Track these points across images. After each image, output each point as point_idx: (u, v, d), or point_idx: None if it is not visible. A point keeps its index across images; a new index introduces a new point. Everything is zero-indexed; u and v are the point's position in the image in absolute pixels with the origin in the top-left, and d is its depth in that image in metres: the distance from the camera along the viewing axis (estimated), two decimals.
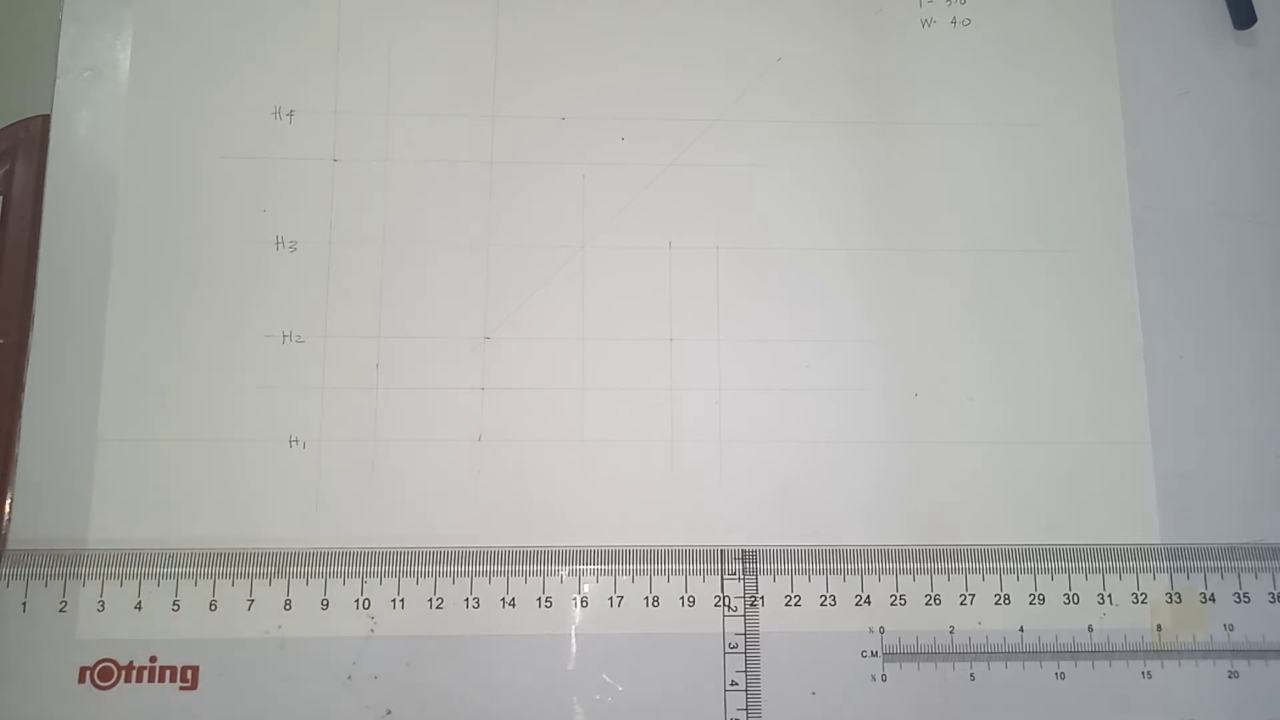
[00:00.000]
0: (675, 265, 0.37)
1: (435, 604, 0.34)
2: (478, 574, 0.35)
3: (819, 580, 0.35)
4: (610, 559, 0.35)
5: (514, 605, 0.34)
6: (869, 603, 0.35)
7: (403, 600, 0.34)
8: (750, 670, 0.34)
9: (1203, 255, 0.37)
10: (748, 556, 0.35)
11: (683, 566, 0.35)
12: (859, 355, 0.36)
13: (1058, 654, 0.35)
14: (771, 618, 0.35)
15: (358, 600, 0.34)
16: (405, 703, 0.34)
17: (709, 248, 0.37)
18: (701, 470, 0.35)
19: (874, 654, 0.34)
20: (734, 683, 0.34)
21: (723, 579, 0.35)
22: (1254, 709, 0.35)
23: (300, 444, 0.35)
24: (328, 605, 0.34)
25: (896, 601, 0.35)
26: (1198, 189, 0.38)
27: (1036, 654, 0.35)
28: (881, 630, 0.35)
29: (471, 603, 0.34)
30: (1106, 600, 0.35)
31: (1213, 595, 0.35)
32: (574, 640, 0.34)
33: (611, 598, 0.35)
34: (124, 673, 0.34)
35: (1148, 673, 0.35)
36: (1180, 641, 0.35)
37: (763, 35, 0.38)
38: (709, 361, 0.36)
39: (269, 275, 0.36)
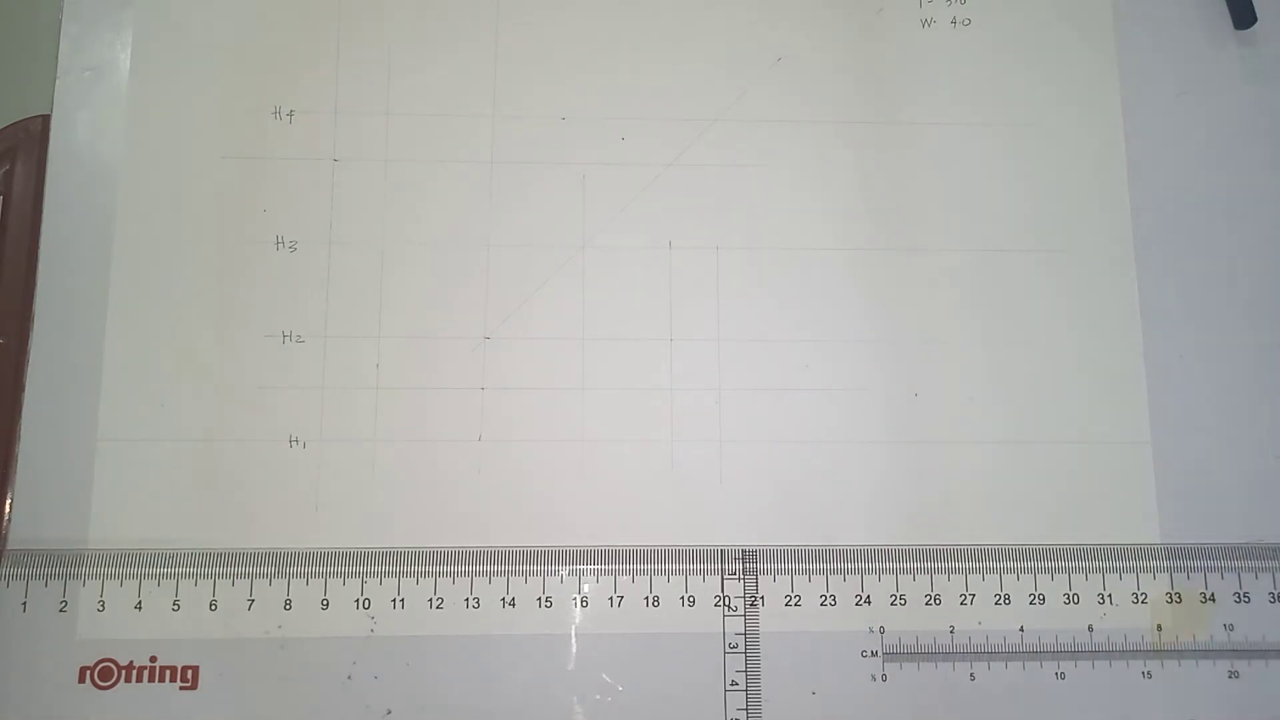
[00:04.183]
0: (675, 265, 0.37)
1: (435, 604, 0.34)
2: (478, 574, 0.35)
3: (819, 580, 0.35)
4: (610, 559, 0.35)
5: (514, 605, 0.34)
6: (869, 603, 0.35)
7: (403, 600, 0.34)
8: (750, 670, 0.34)
9: (1203, 255, 0.37)
10: (748, 556, 0.35)
11: (683, 566, 0.35)
12: (859, 355, 0.36)
13: (1058, 654, 0.35)
14: (771, 618, 0.35)
15: (358, 600, 0.34)
16: (405, 703, 0.34)
17: (709, 248, 0.37)
18: (701, 470, 0.35)
19: (874, 654, 0.34)
20: (734, 683, 0.34)
21: (723, 579, 0.35)
22: (1254, 709, 0.35)
23: (300, 444, 0.35)
24: (328, 605, 0.34)
25: (896, 601, 0.35)
26: (1198, 189, 0.38)
27: (1036, 654, 0.35)
28: (881, 630, 0.35)
29: (471, 603, 0.34)
30: (1106, 600, 0.35)
31: (1213, 595, 0.35)
32: (574, 640, 0.34)
33: (611, 598, 0.35)
34: (124, 673, 0.34)
35: (1148, 673, 0.35)
36: (1180, 641, 0.35)
37: (763, 35, 0.38)
38: (709, 361, 0.36)
39: (269, 275, 0.36)
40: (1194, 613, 0.35)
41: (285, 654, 0.34)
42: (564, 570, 0.35)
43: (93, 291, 0.36)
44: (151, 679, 0.34)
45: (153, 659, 0.34)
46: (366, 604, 0.34)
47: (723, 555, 0.35)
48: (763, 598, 0.35)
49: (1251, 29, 0.38)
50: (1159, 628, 0.35)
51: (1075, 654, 0.35)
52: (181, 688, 0.34)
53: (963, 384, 0.36)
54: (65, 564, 0.34)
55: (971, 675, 0.34)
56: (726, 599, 0.35)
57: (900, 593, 0.35)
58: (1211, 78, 0.38)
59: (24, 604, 0.34)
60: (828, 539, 0.35)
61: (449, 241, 0.36)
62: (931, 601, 0.35)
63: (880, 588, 0.35)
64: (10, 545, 0.34)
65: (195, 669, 0.34)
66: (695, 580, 0.35)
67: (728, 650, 0.34)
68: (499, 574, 0.35)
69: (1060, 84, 0.38)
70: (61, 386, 0.35)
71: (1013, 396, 0.36)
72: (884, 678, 0.34)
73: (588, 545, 0.35)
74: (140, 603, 0.34)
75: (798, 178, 0.37)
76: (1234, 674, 0.35)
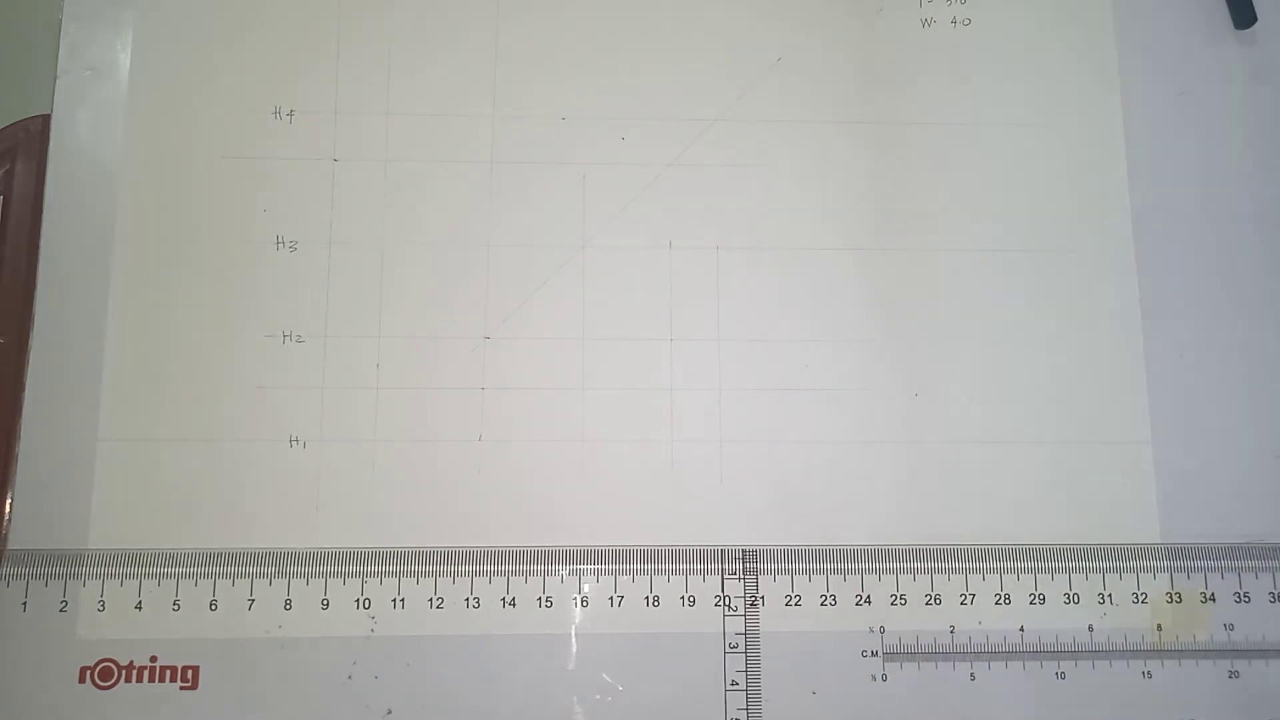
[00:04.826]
0: (675, 265, 0.37)
1: (435, 604, 0.34)
2: (478, 574, 0.35)
3: (819, 580, 0.35)
4: (610, 559, 0.35)
5: (514, 605, 0.34)
6: (869, 603, 0.35)
7: (403, 600, 0.34)
8: (750, 670, 0.34)
9: (1202, 255, 0.37)
10: (748, 556, 0.35)
11: (683, 566, 0.35)
12: (859, 355, 0.36)
13: (1058, 654, 0.35)
14: (772, 618, 0.35)
15: (358, 600, 0.34)
16: (405, 703, 0.34)
17: (709, 248, 0.37)
18: (701, 470, 0.35)
19: (874, 654, 0.34)
20: (734, 683, 0.34)
21: (723, 579, 0.35)
22: (1254, 709, 0.35)
23: (300, 444, 0.35)
24: (328, 605, 0.34)
25: (896, 601, 0.35)
26: (1198, 189, 0.38)
27: (1036, 654, 0.35)
28: (882, 630, 0.35)
29: (471, 603, 0.34)
30: (1107, 600, 0.35)
31: (1213, 595, 0.35)
32: (574, 640, 0.34)
33: (611, 598, 0.35)
34: (124, 673, 0.34)
35: (1148, 673, 0.35)
36: (1180, 641, 0.35)
37: (763, 35, 0.38)
38: (709, 361, 0.36)
39: (269, 275, 0.36)
40: (1194, 613, 0.35)
41: (285, 654, 0.34)
42: (564, 570, 0.35)
43: (93, 291, 0.36)
44: (151, 679, 0.34)
45: (153, 659, 0.34)
46: (366, 604, 0.34)
47: (723, 555, 0.35)
48: (763, 598, 0.35)
49: (1251, 29, 0.38)
50: (1159, 628, 0.35)
51: (1075, 654, 0.35)
52: (181, 688, 0.34)
53: (963, 384, 0.36)
54: (65, 564, 0.34)
55: (971, 675, 0.34)
56: (727, 599, 0.35)
57: (900, 593, 0.35)
58: (1211, 78, 0.38)
59: (24, 604, 0.34)
60: (828, 539, 0.35)
61: (449, 241, 0.36)
62: (931, 601, 0.35)
63: (880, 588, 0.35)
64: (10, 545, 0.34)
65: (195, 669, 0.34)
66: (695, 580, 0.35)
67: (728, 650, 0.34)
68: (499, 574, 0.35)
69: (1060, 84, 0.38)
70: (61, 386, 0.35)
71: (1013, 396, 0.36)
72: (884, 678, 0.34)
73: (588, 545, 0.35)
74: (140, 603, 0.34)
75: (798, 178, 0.37)
76: (1234, 674, 0.35)
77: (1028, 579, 0.35)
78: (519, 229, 0.37)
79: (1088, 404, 0.36)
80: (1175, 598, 0.35)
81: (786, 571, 0.35)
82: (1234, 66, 0.38)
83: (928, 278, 0.37)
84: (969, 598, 0.35)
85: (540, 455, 0.35)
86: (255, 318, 0.36)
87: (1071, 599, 0.35)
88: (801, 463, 0.36)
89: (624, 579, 0.35)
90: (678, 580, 0.35)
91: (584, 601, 0.35)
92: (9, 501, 0.34)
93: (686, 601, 0.35)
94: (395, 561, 0.35)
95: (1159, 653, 0.35)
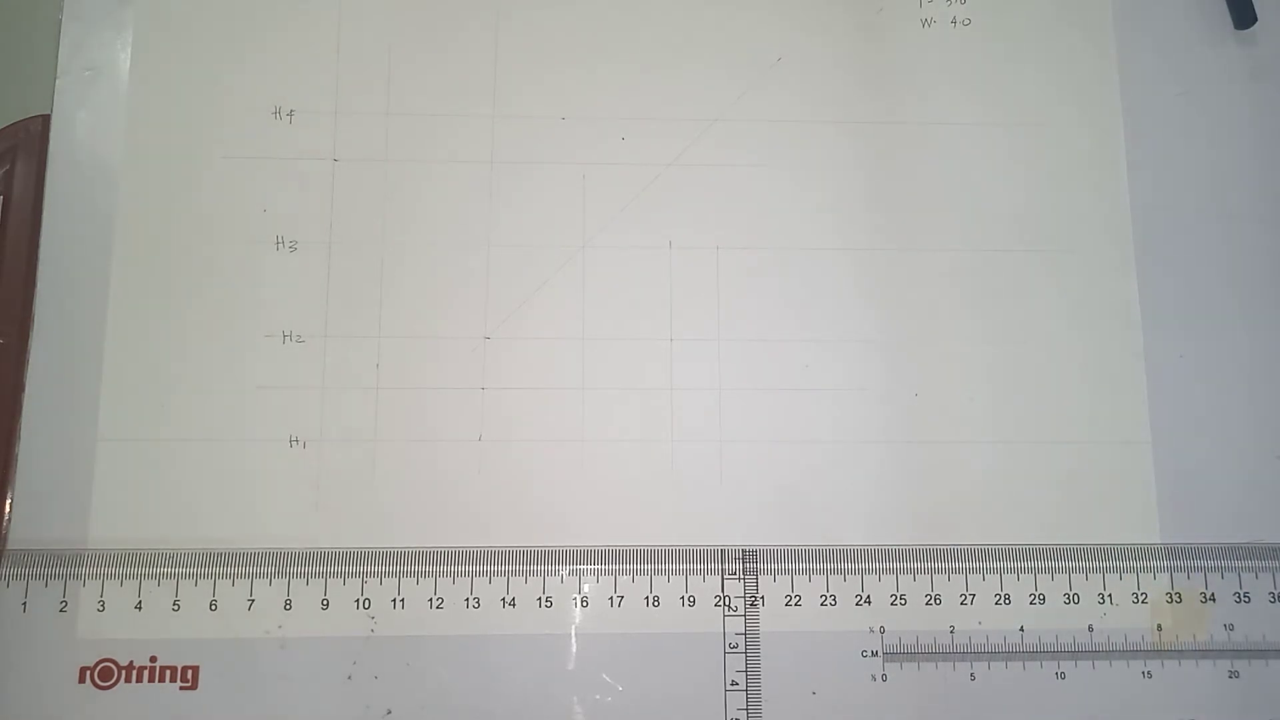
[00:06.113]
0: (675, 265, 0.37)
1: (435, 604, 0.34)
2: (478, 574, 0.35)
3: (819, 580, 0.35)
4: (610, 559, 0.35)
5: (514, 605, 0.34)
6: (869, 603, 0.35)
7: (403, 600, 0.34)
8: (750, 670, 0.34)
9: (1203, 255, 0.37)
10: (748, 556, 0.35)
11: (683, 566, 0.35)
12: (859, 355, 0.36)
13: (1058, 654, 0.35)
14: (772, 618, 0.35)
15: (358, 600, 0.34)
16: (405, 703, 0.34)
17: (709, 248, 0.37)
18: (701, 470, 0.35)
19: (874, 654, 0.34)
20: (734, 683, 0.34)
21: (723, 579, 0.35)
22: (1254, 709, 0.35)
23: (300, 444, 0.35)
24: (328, 605, 0.34)
25: (897, 601, 0.35)
26: (1198, 189, 0.38)
27: (1036, 654, 0.35)
28: (882, 630, 0.35)
29: (471, 603, 0.34)
30: (1107, 600, 0.35)
31: (1213, 595, 0.35)
32: (574, 640, 0.34)
33: (611, 598, 0.35)
34: (124, 673, 0.34)
35: (1148, 673, 0.35)
36: (1180, 641, 0.35)
37: (763, 35, 0.38)
38: (709, 361, 0.36)
39: (269, 275, 0.36)
40: (1194, 613, 0.35)
41: (285, 654, 0.34)
42: (564, 570, 0.35)
43: (93, 291, 0.36)
44: (151, 679, 0.34)
45: (153, 659, 0.34)
46: (366, 604, 0.34)
47: (723, 555, 0.35)
48: (763, 598, 0.35)
49: (1251, 29, 0.38)
50: (1159, 628, 0.35)
51: (1075, 654, 0.35)
52: (181, 688, 0.34)
53: (963, 384, 0.36)
54: (65, 564, 0.34)
55: (971, 675, 0.34)
56: (727, 599, 0.35)
57: (900, 593, 0.35)
58: (1211, 78, 0.38)
59: (24, 604, 0.34)
60: (828, 539, 0.35)
61: (449, 241, 0.36)
62: (931, 601, 0.35)
63: (880, 588, 0.35)
64: (10, 545, 0.34)
65: (195, 669, 0.34)
66: (695, 580, 0.35)
67: (728, 650, 0.34)
68: (499, 574, 0.35)
69: (1060, 84, 0.38)
70: (61, 386, 0.35)
71: (1013, 396, 0.36)
72: (884, 678, 0.34)
73: (588, 545, 0.35)
74: (140, 603, 0.34)
75: (798, 177, 0.37)
76: (1234, 674, 0.35)
77: (1028, 579, 0.35)
78: (519, 229, 0.37)
79: (1088, 404, 0.36)
80: (1175, 598, 0.35)
81: (786, 571, 0.35)
82: (1234, 66, 0.38)
83: (928, 278, 0.37)
84: (969, 598, 0.35)
85: (540, 455, 0.35)
86: (255, 318, 0.36)
87: (1071, 599, 0.35)
88: (801, 463, 0.36)
89: (624, 579, 0.35)
90: (678, 580, 0.35)
91: (584, 601, 0.35)
92: (9, 501, 0.34)
93: (686, 601, 0.35)
94: (395, 561, 0.35)
95: (1159, 653, 0.35)
